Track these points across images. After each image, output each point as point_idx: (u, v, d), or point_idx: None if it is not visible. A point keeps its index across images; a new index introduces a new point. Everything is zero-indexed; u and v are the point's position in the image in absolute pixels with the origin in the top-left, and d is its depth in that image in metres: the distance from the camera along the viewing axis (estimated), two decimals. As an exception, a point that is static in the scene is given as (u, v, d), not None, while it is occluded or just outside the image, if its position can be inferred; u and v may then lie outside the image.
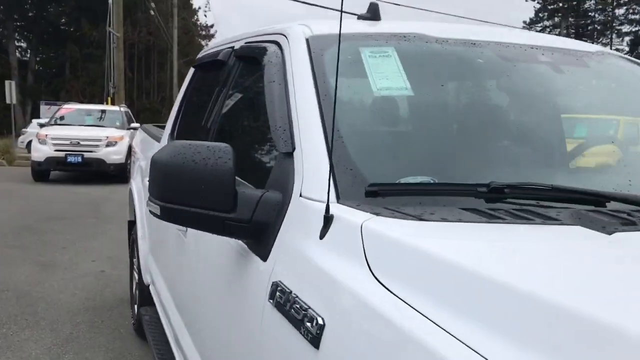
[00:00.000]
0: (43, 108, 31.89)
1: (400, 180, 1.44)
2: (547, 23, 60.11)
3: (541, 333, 0.80)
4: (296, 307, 1.22)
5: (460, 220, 1.20)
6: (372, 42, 1.87)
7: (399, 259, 1.08)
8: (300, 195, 1.43)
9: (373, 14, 2.11)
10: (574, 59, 2.03)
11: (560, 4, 58.16)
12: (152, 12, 28.59)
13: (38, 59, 39.90)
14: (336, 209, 1.29)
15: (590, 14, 57.32)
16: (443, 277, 0.99)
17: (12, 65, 37.08)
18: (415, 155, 1.60)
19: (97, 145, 13.20)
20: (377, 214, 1.23)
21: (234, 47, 2.52)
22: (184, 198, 1.46)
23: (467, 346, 0.83)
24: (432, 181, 1.44)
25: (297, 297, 1.24)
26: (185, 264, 2.39)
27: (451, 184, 1.42)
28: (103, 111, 15.72)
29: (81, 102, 25.62)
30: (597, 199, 1.36)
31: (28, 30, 39.67)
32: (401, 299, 1.00)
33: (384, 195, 1.35)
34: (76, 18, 37.29)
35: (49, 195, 11.11)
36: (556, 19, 57.08)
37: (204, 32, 52.96)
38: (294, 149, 1.55)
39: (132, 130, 13.41)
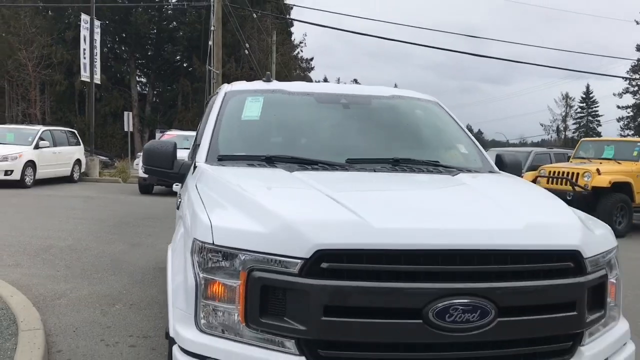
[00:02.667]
0: (158, 135, 36.02)
1: (233, 154, 3.42)
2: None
3: (242, 203, 2.64)
4: (178, 200, 3.24)
5: (238, 166, 3.16)
6: (255, 94, 3.88)
7: (203, 176, 3.06)
8: (195, 161, 3.44)
9: (268, 79, 4.12)
10: (363, 100, 3.92)
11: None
12: (246, 52, 31.95)
13: (155, 92, 44.82)
14: (200, 164, 3.29)
15: None
16: (213, 181, 2.95)
17: (133, 98, 42.06)
18: (247, 144, 3.57)
19: (189, 165, 15.91)
20: (211, 165, 3.22)
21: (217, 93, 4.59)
22: (154, 164, 3.51)
23: (204, 208, 2.66)
24: (245, 154, 3.41)
25: (179, 195, 3.26)
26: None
27: (252, 155, 3.36)
28: (199, 137, 18.58)
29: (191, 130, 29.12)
30: (314, 162, 3.24)
31: (147, 67, 44.76)
32: (197, 189, 2.95)
33: (224, 159, 3.33)
34: (188, 56, 41.75)
35: (148, 203, 13.84)
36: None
37: (304, 65, 56.56)
38: (200, 143, 3.57)
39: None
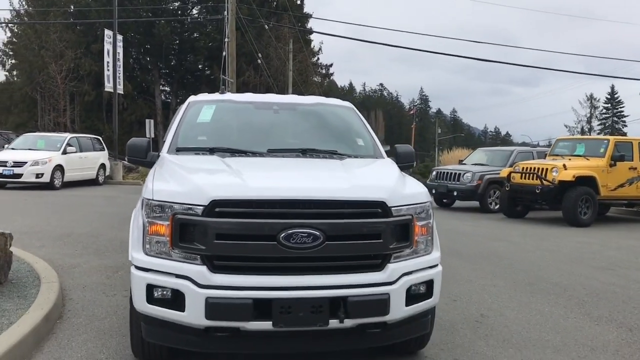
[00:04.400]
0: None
1: (187, 146, 4.77)
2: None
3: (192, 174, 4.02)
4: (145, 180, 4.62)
5: (187, 154, 4.53)
6: (210, 103, 5.24)
7: (162, 161, 4.43)
8: (160, 153, 4.80)
9: (222, 92, 5.49)
10: (290, 106, 5.26)
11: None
12: (259, 61, 33.50)
13: (178, 100, 46.61)
14: (163, 154, 4.65)
15: None
16: (166, 164, 4.31)
17: (157, 107, 43.98)
18: (199, 139, 4.91)
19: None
20: (170, 154, 4.58)
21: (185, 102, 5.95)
22: (134, 155, 4.89)
23: (153, 179, 4.04)
24: (195, 147, 4.75)
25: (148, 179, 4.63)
26: None
27: (200, 147, 4.71)
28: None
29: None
30: (243, 151, 4.58)
31: (170, 77, 46.71)
32: (155, 170, 4.29)
33: (180, 150, 4.69)
34: (209, 65, 43.55)
35: (162, 201, 15.36)
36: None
37: (323, 71, 58.12)
38: (165, 139, 4.93)
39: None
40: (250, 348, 3.64)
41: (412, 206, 3.78)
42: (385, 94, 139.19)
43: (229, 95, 5.45)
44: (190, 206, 3.48)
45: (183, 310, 3.45)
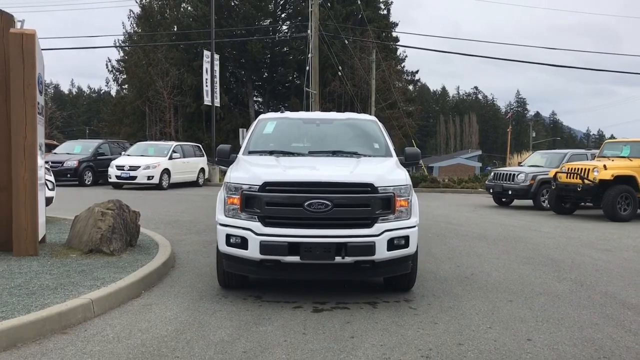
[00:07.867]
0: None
1: (256, 150, 7.01)
2: None
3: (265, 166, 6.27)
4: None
5: (255, 155, 6.78)
6: (272, 119, 7.50)
7: (238, 159, 6.70)
8: (238, 155, 7.07)
9: (282, 111, 7.73)
10: (328, 121, 7.40)
11: None
12: (339, 74, 35.81)
13: (269, 110, 50.05)
14: (239, 155, 6.93)
15: None
16: (240, 161, 6.57)
17: (251, 116, 47.41)
18: (263, 145, 7.12)
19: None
20: (243, 155, 6.86)
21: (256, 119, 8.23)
22: (221, 157, 7.20)
23: (231, 170, 6.30)
24: (261, 150, 6.99)
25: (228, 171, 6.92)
26: None
27: (264, 150, 6.93)
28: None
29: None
30: (294, 153, 6.78)
31: (262, 88, 50.18)
32: (232, 165, 6.56)
33: (251, 153, 6.95)
34: (298, 77, 46.43)
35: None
36: None
37: (409, 78, 59.58)
38: (242, 145, 7.20)
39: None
40: (286, 275, 5.79)
41: (394, 187, 5.77)
42: (480, 97, 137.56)
43: (286, 114, 7.67)
44: (251, 185, 5.68)
45: (247, 249, 5.64)
